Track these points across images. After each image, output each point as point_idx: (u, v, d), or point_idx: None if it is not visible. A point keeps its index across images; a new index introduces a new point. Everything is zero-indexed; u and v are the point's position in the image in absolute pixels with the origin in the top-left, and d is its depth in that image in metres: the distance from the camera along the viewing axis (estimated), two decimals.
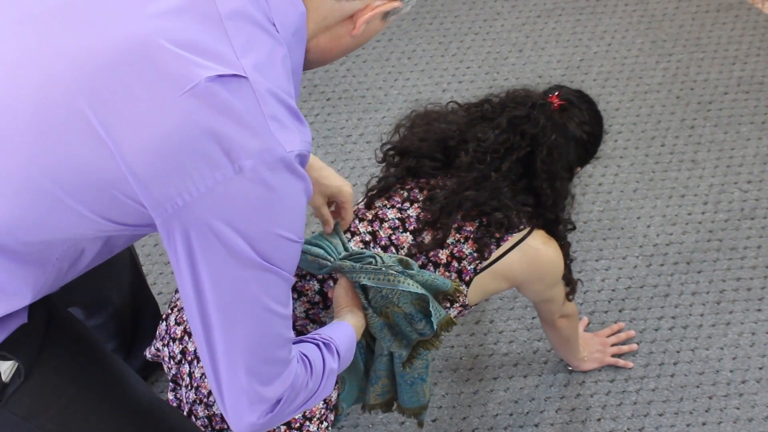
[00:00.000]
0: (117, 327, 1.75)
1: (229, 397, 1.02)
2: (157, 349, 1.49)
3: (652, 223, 2.27)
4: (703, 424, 1.87)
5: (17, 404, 1.09)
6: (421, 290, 1.35)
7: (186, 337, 1.42)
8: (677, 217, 2.28)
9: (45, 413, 1.12)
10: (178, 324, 1.44)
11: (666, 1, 2.95)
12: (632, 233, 2.24)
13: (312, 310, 1.45)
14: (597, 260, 2.18)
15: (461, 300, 1.47)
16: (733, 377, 1.95)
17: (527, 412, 1.90)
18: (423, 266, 1.44)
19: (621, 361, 1.96)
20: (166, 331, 1.45)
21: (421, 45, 2.81)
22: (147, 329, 1.79)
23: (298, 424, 1.38)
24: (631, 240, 2.23)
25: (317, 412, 1.39)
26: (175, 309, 1.46)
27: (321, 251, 1.38)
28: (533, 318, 2.05)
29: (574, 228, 1.58)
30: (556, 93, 1.50)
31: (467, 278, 1.46)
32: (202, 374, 1.38)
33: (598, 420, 1.89)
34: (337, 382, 1.42)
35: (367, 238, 1.46)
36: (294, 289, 1.44)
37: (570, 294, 1.65)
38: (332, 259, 1.37)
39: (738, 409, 1.90)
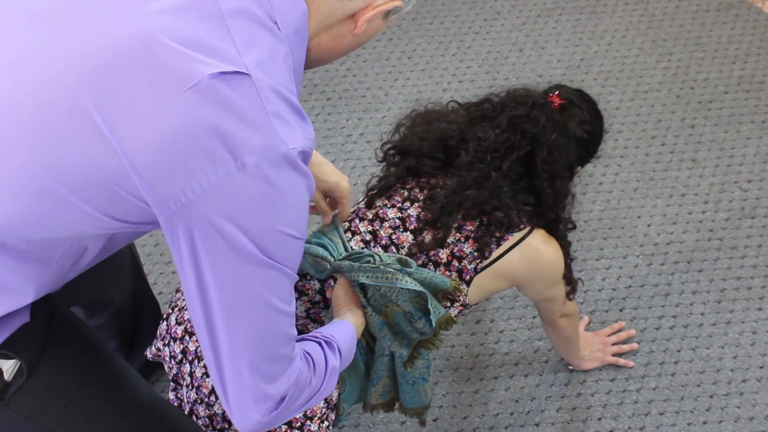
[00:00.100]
0: (118, 327, 1.76)
1: (234, 395, 1.02)
2: (158, 349, 1.49)
3: (653, 223, 2.27)
4: (704, 423, 1.87)
5: (19, 403, 1.10)
6: (419, 288, 1.35)
7: (187, 337, 1.42)
8: (678, 216, 2.28)
9: (47, 412, 1.12)
10: (178, 323, 1.44)
11: (666, 1, 2.95)
12: (633, 232, 2.24)
13: (313, 310, 1.45)
14: (598, 259, 2.18)
15: (461, 299, 1.47)
16: (734, 376, 1.95)
17: (528, 412, 1.90)
18: (423, 265, 1.45)
19: (622, 360, 1.97)
20: (167, 330, 1.45)
21: (422, 44, 2.81)
22: (148, 329, 1.79)
23: (299, 423, 1.38)
24: (632, 239, 2.23)
25: (318, 412, 1.39)
26: (176, 309, 1.46)
27: (321, 250, 1.38)
28: (534, 317, 2.05)
29: (575, 227, 1.58)
30: (557, 92, 1.50)
31: (468, 277, 1.46)
32: (203, 374, 1.38)
33: (599, 419, 1.89)
34: (338, 382, 1.42)
35: (368, 237, 1.46)
36: (295, 288, 1.44)
37: (570, 293, 1.65)
38: (332, 259, 1.37)
39: (739, 408, 1.90)
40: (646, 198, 2.33)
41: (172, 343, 1.44)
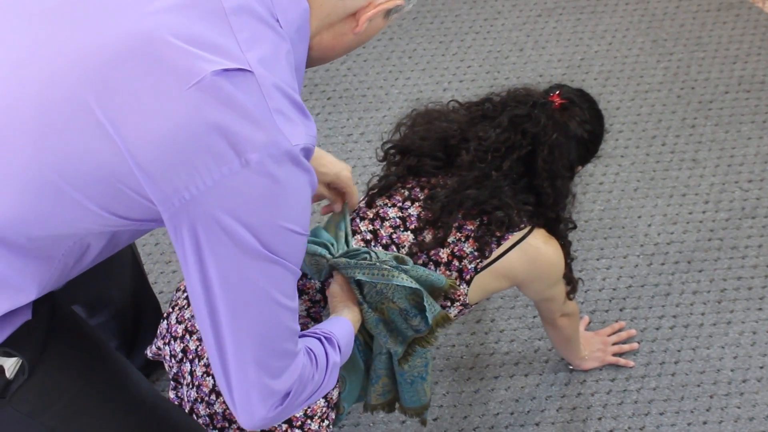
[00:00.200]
0: (118, 326, 1.76)
1: (239, 391, 1.02)
2: (159, 348, 1.49)
3: (653, 222, 2.27)
4: (704, 423, 1.87)
5: (21, 401, 1.10)
6: (415, 285, 1.35)
7: (187, 336, 1.42)
8: (678, 216, 2.28)
9: (48, 410, 1.12)
10: (179, 322, 1.44)
11: (666, 0, 2.95)
12: (633, 232, 2.24)
13: (313, 309, 1.45)
14: (598, 259, 2.18)
15: (461, 299, 1.47)
16: (734, 376, 1.96)
17: (528, 411, 1.90)
18: (424, 265, 1.45)
19: (622, 360, 1.97)
20: (167, 329, 1.45)
21: (422, 44, 2.81)
22: (148, 328, 1.79)
23: (299, 422, 1.38)
24: (632, 239, 2.23)
25: (319, 410, 1.39)
26: (176, 307, 1.46)
27: (319, 249, 1.38)
28: (534, 317, 2.05)
29: (575, 227, 1.58)
30: (557, 92, 1.50)
31: (468, 277, 1.46)
32: (204, 372, 1.38)
33: (599, 419, 1.89)
34: (338, 381, 1.42)
35: (368, 236, 1.47)
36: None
37: (571, 293, 1.65)
38: (329, 257, 1.37)
39: (739, 408, 1.90)
40: (646, 198, 2.33)
41: (172, 341, 1.44)
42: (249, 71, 0.92)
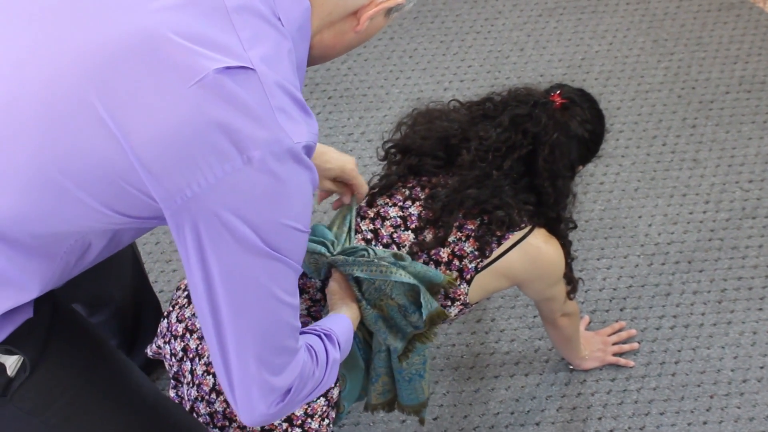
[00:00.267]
0: (118, 324, 1.76)
1: (240, 388, 1.03)
2: (159, 347, 1.49)
3: (654, 222, 2.27)
4: (705, 423, 1.87)
5: (22, 399, 1.10)
6: (413, 281, 1.35)
7: (188, 335, 1.42)
8: (679, 216, 2.28)
9: (50, 408, 1.12)
10: (179, 321, 1.44)
11: (667, 0, 2.95)
12: (634, 232, 2.24)
13: (314, 308, 1.45)
14: (598, 259, 2.18)
15: (462, 299, 1.47)
16: (734, 376, 1.96)
17: (528, 411, 1.90)
18: (425, 264, 1.45)
19: (622, 360, 1.97)
20: (168, 328, 1.46)
21: (423, 44, 2.81)
22: (148, 327, 1.80)
23: (299, 421, 1.38)
24: (633, 239, 2.23)
25: (319, 409, 1.39)
26: (177, 306, 1.46)
27: (318, 247, 1.39)
28: (534, 316, 2.05)
29: (576, 227, 1.58)
30: (558, 92, 1.50)
31: (468, 277, 1.46)
32: (204, 371, 1.38)
33: (600, 419, 1.89)
34: (338, 380, 1.42)
35: (369, 236, 1.47)
36: None
37: (571, 293, 1.65)
38: (328, 255, 1.38)
39: (739, 408, 1.90)
40: (647, 198, 2.33)
41: (172, 340, 1.44)
42: (251, 69, 0.92)
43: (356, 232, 1.47)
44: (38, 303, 1.09)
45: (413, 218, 1.47)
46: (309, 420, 1.38)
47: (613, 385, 1.94)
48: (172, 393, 1.47)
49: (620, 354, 1.98)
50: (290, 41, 0.99)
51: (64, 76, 0.92)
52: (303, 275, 1.46)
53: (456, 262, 1.45)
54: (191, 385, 1.40)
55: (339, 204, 1.52)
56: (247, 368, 1.01)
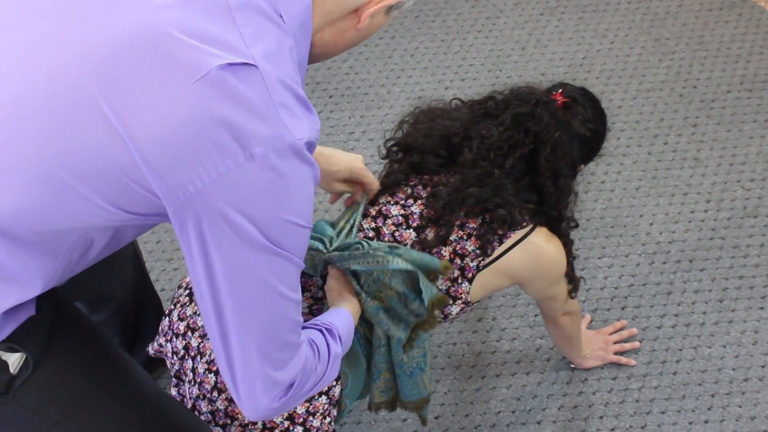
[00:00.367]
0: (120, 323, 1.76)
1: (243, 383, 1.03)
2: (160, 345, 1.49)
3: (655, 221, 2.27)
4: (706, 422, 1.87)
5: (25, 396, 1.10)
6: (410, 267, 1.36)
7: (189, 333, 1.42)
8: (680, 215, 2.28)
9: (52, 405, 1.13)
10: (181, 320, 1.44)
11: None
12: (635, 231, 2.24)
13: (315, 306, 1.45)
14: (600, 258, 2.18)
15: (463, 297, 1.47)
16: (735, 375, 1.95)
17: (530, 410, 1.90)
18: None
19: (623, 359, 1.97)
20: (169, 326, 1.46)
21: (424, 42, 2.81)
22: (149, 326, 1.80)
23: (301, 419, 1.38)
24: (634, 238, 2.23)
25: (321, 407, 1.39)
26: (178, 304, 1.46)
27: (316, 243, 1.40)
28: (536, 315, 2.05)
29: (577, 225, 1.58)
30: (560, 90, 1.50)
31: (470, 275, 1.46)
32: (206, 370, 1.38)
33: (601, 417, 1.89)
34: (339, 378, 1.42)
35: (371, 234, 1.47)
36: None
37: (572, 291, 1.65)
38: (324, 251, 1.38)
39: (740, 407, 1.90)
40: (648, 197, 2.33)
41: (174, 339, 1.44)
42: (253, 66, 0.92)
43: (359, 230, 1.47)
44: (41, 301, 1.09)
45: (415, 217, 1.47)
46: (311, 418, 1.38)
47: (615, 383, 1.94)
48: (173, 391, 1.47)
49: (622, 353, 1.98)
50: (292, 38, 0.99)
51: (68, 73, 0.92)
52: (305, 273, 1.46)
53: (457, 260, 1.45)
54: (193, 383, 1.40)
55: (351, 202, 1.53)
56: (250, 363, 1.02)
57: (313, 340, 1.14)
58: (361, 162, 1.49)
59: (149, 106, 0.90)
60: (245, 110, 0.91)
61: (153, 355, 1.54)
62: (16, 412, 1.11)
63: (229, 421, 1.39)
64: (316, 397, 1.38)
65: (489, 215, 1.45)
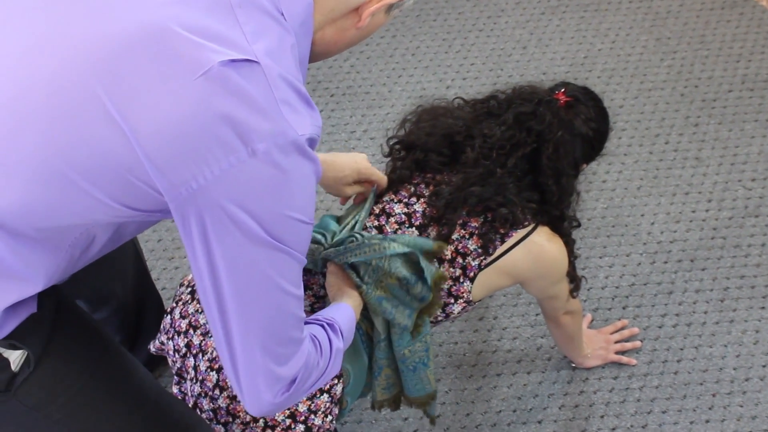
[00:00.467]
0: (120, 321, 1.76)
1: (246, 378, 1.03)
2: (162, 343, 1.49)
3: (656, 221, 2.27)
4: (707, 421, 1.87)
5: (26, 394, 1.10)
6: (407, 249, 1.37)
7: (191, 331, 1.42)
8: (681, 214, 2.28)
9: (53, 403, 1.13)
10: (182, 317, 1.44)
11: None
12: (636, 230, 2.24)
13: (317, 304, 1.45)
14: (601, 257, 2.18)
15: (465, 296, 1.47)
16: (736, 375, 1.95)
17: (530, 409, 1.90)
18: (428, 261, 1.45)
19: (624, 358, 1.96)
20: (171, 324, 1.46)
21: (425, 41, 2.81)
22: (150, 324, 1.80)
23: (303, 417, 1.38)
24: (635, 237, 2.23)
25: (322, 406, 1.39)
26: (180, 302, 1.46)
27: (318, 237, 1.40)
28: (537, 314, 2.05)
29: (579, 225, 1.58)
30: (563, 90, 1.50)
31: (471, 274, 1.46)
32: (208, 368, 1.38)
33: (602, 417, 1.89)
34: (341, 375, 1.42)
35: (374, 232, 1.47)
36: None
37: (574, 291, 1.65)
38: (324, 246, 1.39)
39: (741, 406, 1.90)
40: (649, 196, 2.32)
41: (176, 336, 1.44)
42: (255, 62, 0.92)
43: (363, 228, 1.47)
44: (42, 298, 1.09)
45: (417, 215, 1.47)
46: (312, 416, 1.38)
47: (616, 383, 1.94)
48: (175, 389, 1.47)
49: (623, 352, 1.98)
50: (293, 36, 1.00)
51: (70, 69, 0.92)
52: (307, 272, 1.47)
53: (459, 259, 1.45)
54: (194, 381, 1.40)
55: (360, 199, 1.54)
56: (252, 358, 1.02)
57: (315, 336, 1.14)
58: (366, 160, 1.50)
59: (152, 102, 0.90)
60: (248, 106, 0.91)
61: (154, 353, 1.54)
62: (17, 409, 1.11)
63: (230, 419, 1.39)
64: (318, 395, 1.39)
65: (491, 214, 1.45)
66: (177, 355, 1.44)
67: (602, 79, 2.66)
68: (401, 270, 1.37)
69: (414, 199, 1.49)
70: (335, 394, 1.41)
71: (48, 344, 1.11)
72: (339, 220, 1.49)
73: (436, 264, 1.45)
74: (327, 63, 2.73)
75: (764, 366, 1.97)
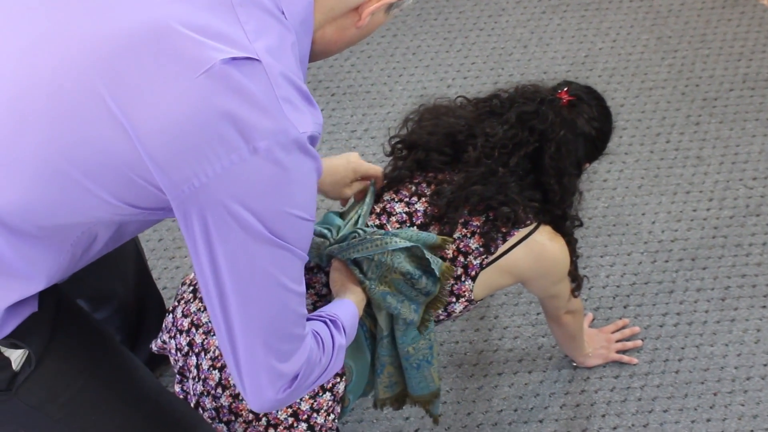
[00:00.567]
0: (121, 320, 1.76)
1: (248, 375, 1.04)
2: (164, 342, 1.49)
3: (657, 220, 2.26)
4: (708, 420, 1.87)
5: (27, 393, 1.10)
6: (410, 243, 1.37)
7: (193, 329, 1.42)
8: (682, 213, 2.28)
9: (54, 402, 1.13)
10: (184, 316, 1.44)
11: None
12: (637, 229, 2.24)
13: (320, 303, 1.45)
14: (602, 256, 2.18)
15: (466, 295, 1.47)
16: (737, 374, 1.95)
17: (531, 408, 1.90)
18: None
19: (625, 357, 1.96)
20: (173, 323, 1.46)
21: (426, 41, 2.80)
22: (151, 323, 1.80)
23: (305, 416, 1.38)
24: (636, 236, 2.23)
25: (324, 404, 1.39)
26: (182, 301, 1.46)
27: (324, 231, 1.41)
28: (538, 314, 2.05)
29: (581, 224, 1.57)
30: (566, 89, 1.50)
31: (473, 273, 1.46)
32: (210, 366, 1.38)
33: (603, 416, 1.89)
34: (344, 374, 1.42)
35: None
36: None
37: (575, 290, 1.65)
38: (330, 240, 1.39)
39: (743, 405, 1.90)
40: (650, 195, 2.32)
41: (178, 335, 1.44)
42: (257, 60, 0.93)
43: (365, 225, 1.47)
44: (43, 297, 1.09)
45: (419, 214, 1.47)
46: (315, 415, 1.38)
47: (617, 382, 1.94)
48: (177, 388, 1.47)
49: (624, 351, 1.98)
50: (294, 34, 1.00)
51: (72, 67, 0.92)
52: (309, 270, 1.47)
53: (461, 258, 1.45)
54: (197, 380, 1.40)
55: (361, 195, 1.55)
56: (255, 355, 1.03)
57: (317, 332, 1.14)
58: (358, 157, 1.51)
59: (153, 100, 0.91)
60: (249, 104, 0.91)
61: (156, 352, 1.54)
62: (18, 408, 1.11)
63: (233, 418, 1.39)
64: (321, 394, 1.39)
65: (493, 213, 1.45)
66: (179, 354, 1.44)
67: (603, 78, 2.66)
68: (405, 265, 1.37)
69: (415, 199, 1.49)
70: (338, 392, 1.41)
71: (49, 343, 1.11)
72: (342, 215, 1.50)
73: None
74: (328, 62, 2.73)
75: (765, 365, 1.97)
